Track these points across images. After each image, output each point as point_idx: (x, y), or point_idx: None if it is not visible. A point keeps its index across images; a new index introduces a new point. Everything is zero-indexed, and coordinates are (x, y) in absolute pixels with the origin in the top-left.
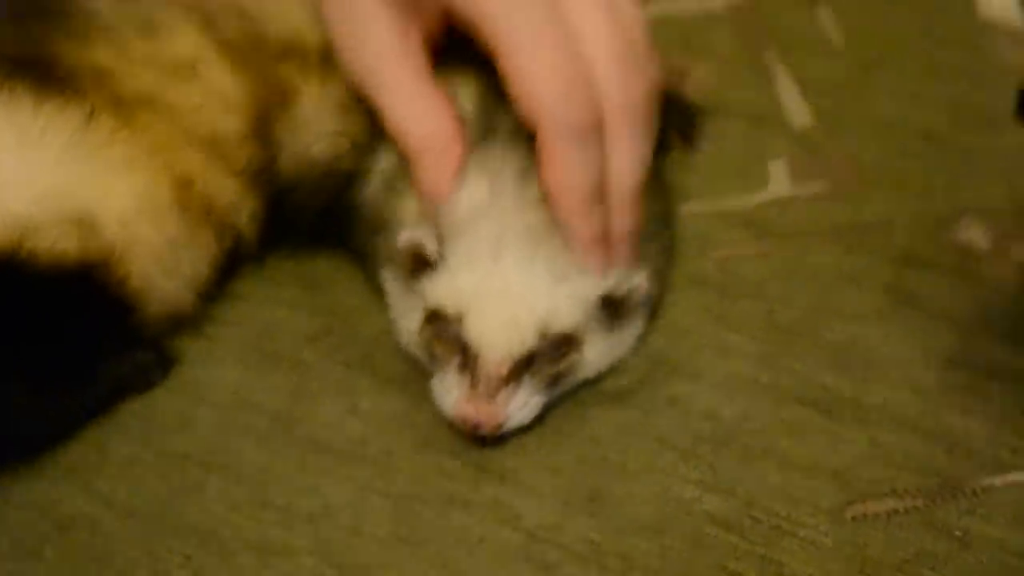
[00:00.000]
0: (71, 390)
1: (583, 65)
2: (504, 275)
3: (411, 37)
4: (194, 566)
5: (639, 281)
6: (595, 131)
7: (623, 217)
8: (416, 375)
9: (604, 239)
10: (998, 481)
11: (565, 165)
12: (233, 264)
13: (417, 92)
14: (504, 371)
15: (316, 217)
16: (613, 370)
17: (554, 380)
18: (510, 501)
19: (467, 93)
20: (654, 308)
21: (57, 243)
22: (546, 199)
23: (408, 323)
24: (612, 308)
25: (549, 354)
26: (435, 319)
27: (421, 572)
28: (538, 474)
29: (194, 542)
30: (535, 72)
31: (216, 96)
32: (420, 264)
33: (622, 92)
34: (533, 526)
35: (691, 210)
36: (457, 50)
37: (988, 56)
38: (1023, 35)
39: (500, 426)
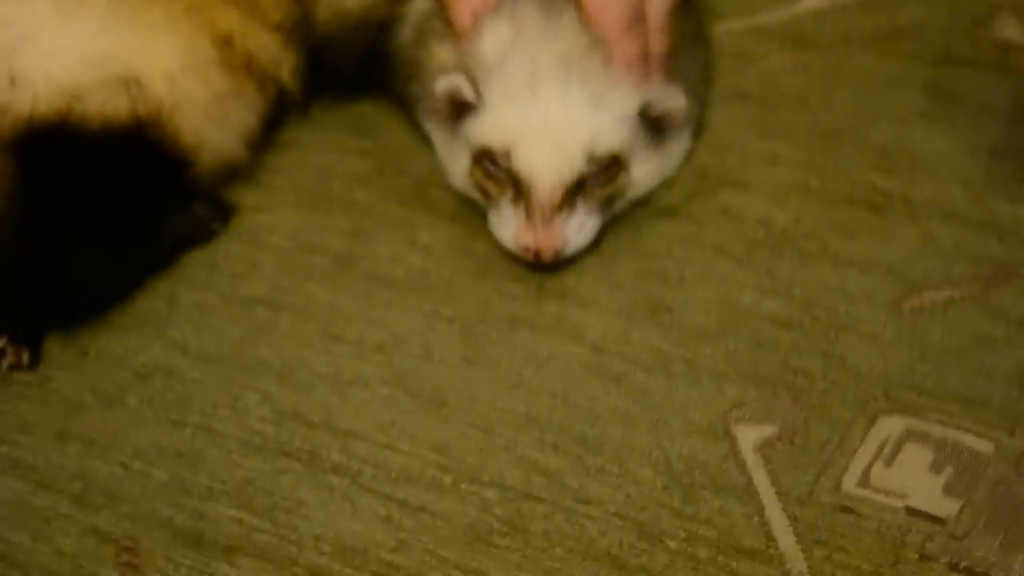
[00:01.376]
0: (136, 245)
1: None
2: (544, 105)
3: None
4: (273, 401)
5: (676, 98)
6: None
7: (657, 37)
8: (469, 207)
9: (644, 57)
10: None
11: None
12: (280, 114)
13: None
14: (557, 198)
15: (356, 65)
16: (663, 186)
17: (606, 202)
18: (573, 317)
19: None
20: (699, 126)
21: (106, 105)
22: (576, 25)
23: (457, 164)
24: (654, 125)
25: (598, 176)
26: (483, 157)
27: (493, 392)
28: (598, 290)
29: (271, 379)
30: None
31: None
32: (460, 107)
33: None
34: (598, 339)
35: (728, 28)
36: None
37: None
38: None
39: (559, 251)
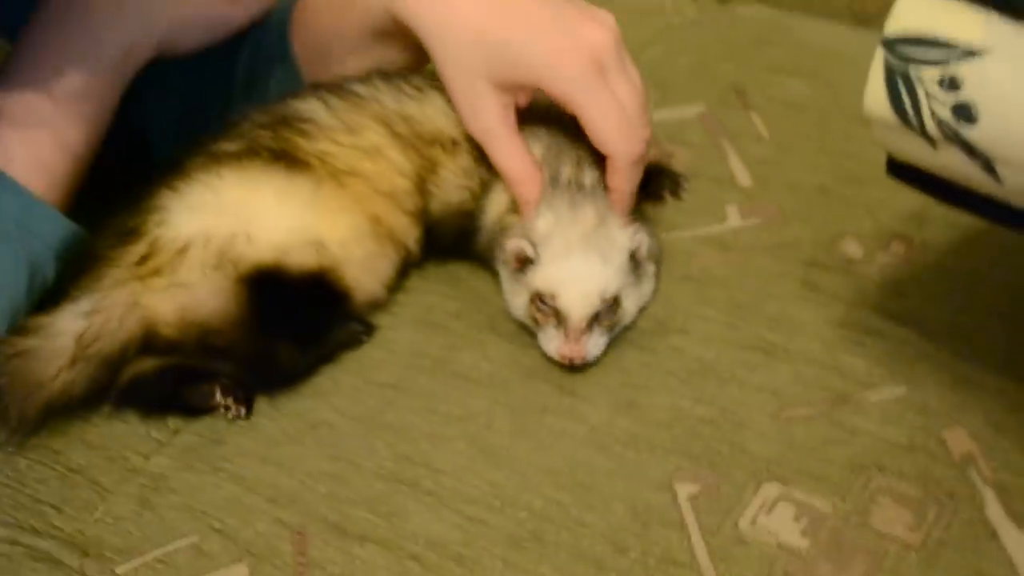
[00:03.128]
0: (313, 346)
1: (632, 120)
2: (575, 266)
3: (508, 110)
4: (392, 448)
5: (643, 238)
6: (642, 159)
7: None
8: (521, 333)
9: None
10: (872, 396)
11: (627, 179)
12: (406, 269)
13: (512, 145)
14: (584, 325)
15: (453, 238)
16: (636, 331)
17: (611, 327)
18: (579, 408)
19: (536, 150)
20: (656, 286)
21: (303, 259)
22: (592, 214)
23: (518, 301)
24: (634, 263)
25: (607, 311)
26: (536, 298)
27: (527, 452)
28: (596, 392)
29: (391, 435)
30: (609, 128)
31: (393, 167)
32: (523, 263)
33: (643, 136)
34: (594, 423)
35: (678, 236)
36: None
37: (866, 137)
38: (892, 123)
39: (585, 358)
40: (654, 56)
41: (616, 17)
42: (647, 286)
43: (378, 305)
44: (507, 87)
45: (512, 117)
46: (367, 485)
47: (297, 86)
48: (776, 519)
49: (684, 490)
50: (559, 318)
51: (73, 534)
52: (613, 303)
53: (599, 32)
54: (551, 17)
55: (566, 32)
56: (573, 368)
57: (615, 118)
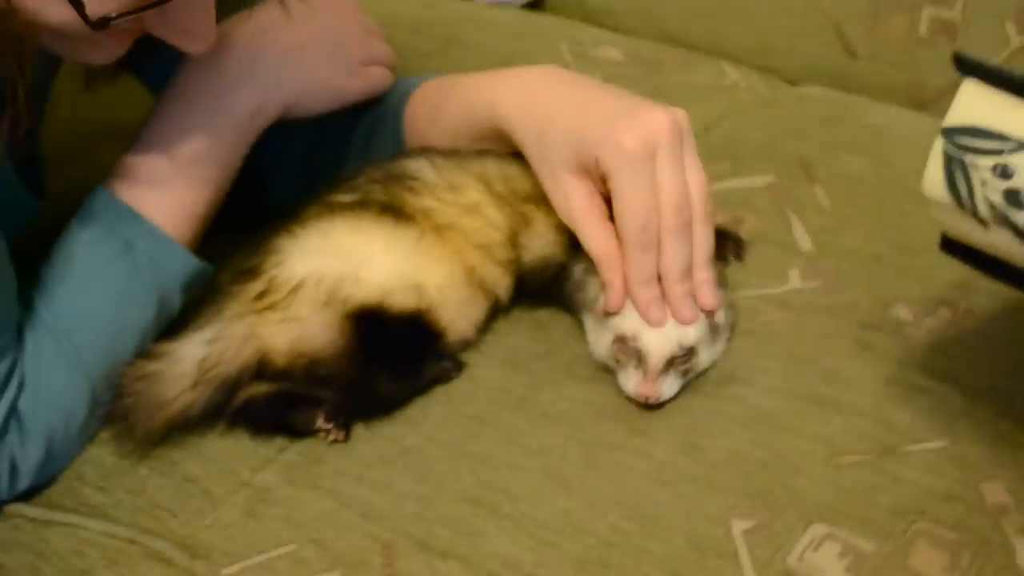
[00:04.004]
0: (408, 378)
1: (655, 213)
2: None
3: (593, 196)
4: (476, 476)
5: (721, 314)
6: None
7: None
8: (597, 377)
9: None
10: (916, 448)
11: (631, 264)
12: (495, 313)
13: (596, 231)
14: (661, 367)
15: (540, 287)
16: (700, 379)
17: (685, 372)
18: (646, 447)
19: None
20: (728, 343)
21: (403, 301)
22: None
23: (601, 343)
24: (712, 327)
25: (683, 357)
26: (618, 340)
27: (599, 484)
28: (661, 432)
29: (475, 462)
30: (629, 215)
31: (489, 222)
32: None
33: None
34: (659, 461)
35: (744, 295)
36: None
37: (918, 212)
38: (948, 205)
39: (659, 398)
40: (727, 130)
41: (691, 93)
42: (720, 345)
43: (468, 345)
44: (584, 172)
45: (596, 202)
46: (451, 506)
47: None
48: (822, 556)
49: (739, 525)
50: (639, 359)
51: (185, 537)
52: (689, 352)
53: (658, 114)
54: (616, 102)
55: (625, 114)
56: (646, 407)
57: (641, 202)
